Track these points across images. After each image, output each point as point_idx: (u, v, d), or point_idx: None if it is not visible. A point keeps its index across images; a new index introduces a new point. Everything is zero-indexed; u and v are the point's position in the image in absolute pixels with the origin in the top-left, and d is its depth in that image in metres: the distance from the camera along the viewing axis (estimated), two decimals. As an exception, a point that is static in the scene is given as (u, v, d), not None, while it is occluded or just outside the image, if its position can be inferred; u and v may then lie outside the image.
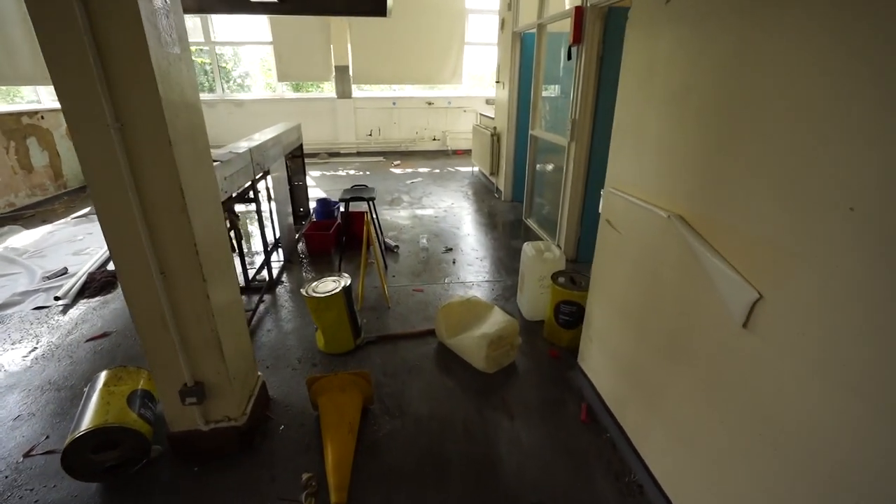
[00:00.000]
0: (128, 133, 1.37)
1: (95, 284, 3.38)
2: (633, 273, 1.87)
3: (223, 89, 8.50)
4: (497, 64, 5.75)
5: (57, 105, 6.46)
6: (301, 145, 4.71)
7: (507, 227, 4.81)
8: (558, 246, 3.81)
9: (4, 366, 2.54)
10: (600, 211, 2.47)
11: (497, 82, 5.79)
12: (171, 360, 1.69)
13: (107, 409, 1.78)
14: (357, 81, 8.51)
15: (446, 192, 6.14)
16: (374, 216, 3.96)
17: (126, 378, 1.98)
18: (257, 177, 3.18)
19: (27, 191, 5.37)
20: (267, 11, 4.16)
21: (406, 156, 8.88)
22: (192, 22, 8.19)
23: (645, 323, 1.79)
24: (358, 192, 3.62)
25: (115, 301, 3.24)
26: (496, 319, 2.53)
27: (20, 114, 5.29)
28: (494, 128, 5.80)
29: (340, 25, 7.99)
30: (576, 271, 2.76)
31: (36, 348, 2.69)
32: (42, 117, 5.61)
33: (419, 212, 5.24)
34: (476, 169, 7.24)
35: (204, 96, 8.51)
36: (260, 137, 3.48)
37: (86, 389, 1.95)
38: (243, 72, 9.61)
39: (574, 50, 3.34)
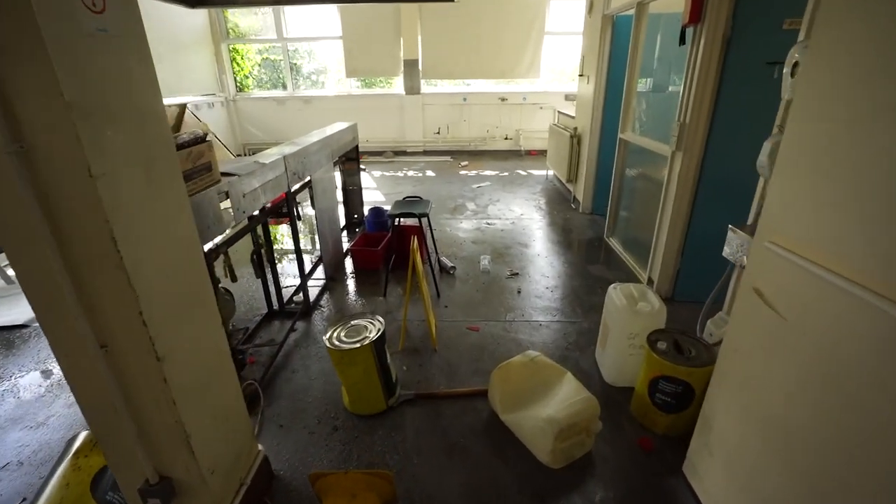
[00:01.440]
0: (33, 159, 0.94)
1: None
2: (805, 380, 1.16)
3: (293, 86, 8.47)
4: (581, 54, 4.97)
5: None
6: (357, 147, 4.32)
7: (585, 248, 4.07)
8: (655, 292, 3.05)
9: (20, 392, 2.36)
10: (733, 259, 1.74)
11: (580, 76, 5.02)
12: (127, 452, 1.29)
13: (62, 494, 1.42)
14: (426, 76, 8.06)
15: (516, 200, 5.49)
16: (428, 233, 3.45)
17: (104, 444, 1.62)
18: (295, 187, 2.79)
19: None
20: None
21: (475, 156, 8.31)
22: (265, 19, 8.22)
23: (829, 462, 1.08)
24: (410, 207, 3.12)
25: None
26: (568, 394, 1.89)
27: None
28: (575, 128, 5.04)
29: (411, 16, 7.58)
30: (683, 332, 2.04)
31: (52, 373, 2.50)
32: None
33: (483, 223, 4.66)
34: (550, 173, 6.50)
35: (276, 93, 8.54)
36: (303, 141, 3.10)
37: (59, 453, 1.63)
38: (319, 67, 9.55)
39: (689, 32, 2.56)
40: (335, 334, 2.05)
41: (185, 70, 7.21)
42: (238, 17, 8.26)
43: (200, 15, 7.60)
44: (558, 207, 5.20)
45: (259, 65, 8.73)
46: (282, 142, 3.81)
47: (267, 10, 8.01)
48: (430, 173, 7.01)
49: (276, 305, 2.99)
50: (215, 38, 7.92)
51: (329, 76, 9.97)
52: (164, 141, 1.23)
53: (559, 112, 6.13)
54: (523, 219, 4.81)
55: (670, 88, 3.11)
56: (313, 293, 3.24)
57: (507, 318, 2.92)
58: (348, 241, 4.31)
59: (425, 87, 8.33)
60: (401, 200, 3.38)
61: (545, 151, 8.29)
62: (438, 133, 8.44)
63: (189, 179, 1.71)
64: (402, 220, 3.29)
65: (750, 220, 2.00)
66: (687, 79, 2.61)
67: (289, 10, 8.07)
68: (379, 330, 2.04)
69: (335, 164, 4.10)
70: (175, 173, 1.28)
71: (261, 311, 3.02)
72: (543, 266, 3.67)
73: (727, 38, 2.44)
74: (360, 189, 4.55)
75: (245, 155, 8.71)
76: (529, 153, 8.40)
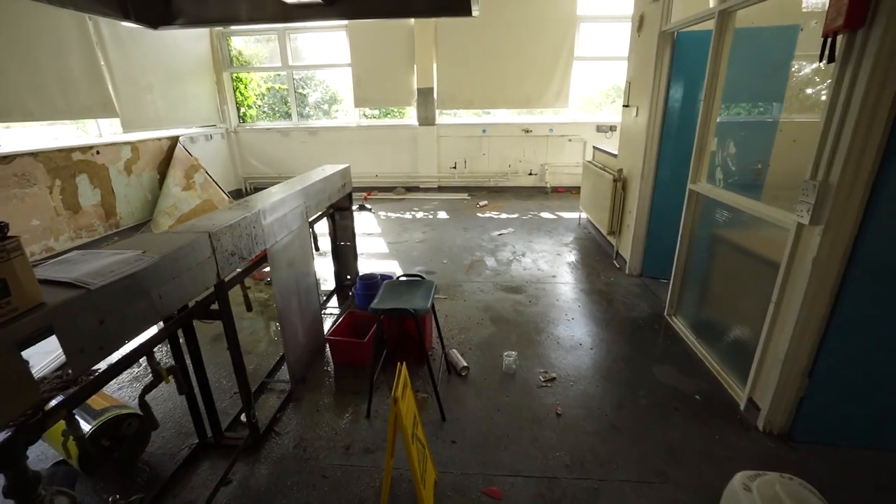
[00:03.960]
0: None
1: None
2: None
3: (297, 116, 7.82)
4: (627, 81, 4.09)
5: (115, 139, 5.55)
6: (349, 194, 3.48)
7: (641, 331, 3.08)
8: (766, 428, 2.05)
9: None
10: None
11: (625, 106, 4.13)
12: None
13: None
14: (442, 106, 7.30)
15: (545, 254, 4.54)
16: (432, 323, 2.53)
17: None
18: (233, 274, 1.92)
19: (71, 233, 4.84)
20: (312, 16, 3.02)
21: (495, 193, 7.44)
22: (269, 46, 7.67)
23: None
24: (404, 295, 2.22)
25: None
26: None
27: (71, 150, 4.81)
28: (619, 170, 4.11)
29: (426, 40, 6.88)
30: None
31: None
32: (97, 152, 5.12)
33: (506, 293, 3.71)
34: (583, 216, 5.55)
35: (279, 124, 7.91)
36: (263, 199, 2.25)
37: None
38: (326, 96, 8.94)
39: (839, 43, 1.64)
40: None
41: (182, 100, 6.62)
42: (243, 45, 7.74)
43: (202, 42, 7.08)
44: (597, 265, 4.23)
45: (264, 94, 8.15)
46: (286, 176, 3.16)
47: (272, 37, 7.45)
48: (443, 215, 6.14)
49: (210, 432, 2.09)
50: (217, 67, 7.37)
51: (342, 106, 9.36)
52: None
53: (595, 148, 5.22)
54: (556, 283, 3.85)
55: (780, 129, 2.18)
56: (272, 407, 2.34)
57: (545, 470, 1.94)
58: (338, 308, 3.42)
59: (442, 117, 7.58)
60: (394, 282, 2.48)
61: (574, 189, 7.40)
62: (455, 168, 7.62)
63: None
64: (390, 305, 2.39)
65: None
66: (833, 116, 1.67)
67: (295, 38, 7.51)
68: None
69: (322, 215, 3.27)
70: None
71: (192, 440, 2.13)
72: (588, 364, 2.69)
73: (909, 54, 1.51)
74: (355, 243, 3.68)
75: (247, 192, 8.05)
76: (556, 190, 7.49)
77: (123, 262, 1.35)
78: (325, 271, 4.04)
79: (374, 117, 8.45)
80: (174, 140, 6.29)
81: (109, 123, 5.72)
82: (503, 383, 2.51)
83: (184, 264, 1.55)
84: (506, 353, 2.62)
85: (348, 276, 3.79)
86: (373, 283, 3.09)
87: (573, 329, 3.08)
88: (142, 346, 1.53)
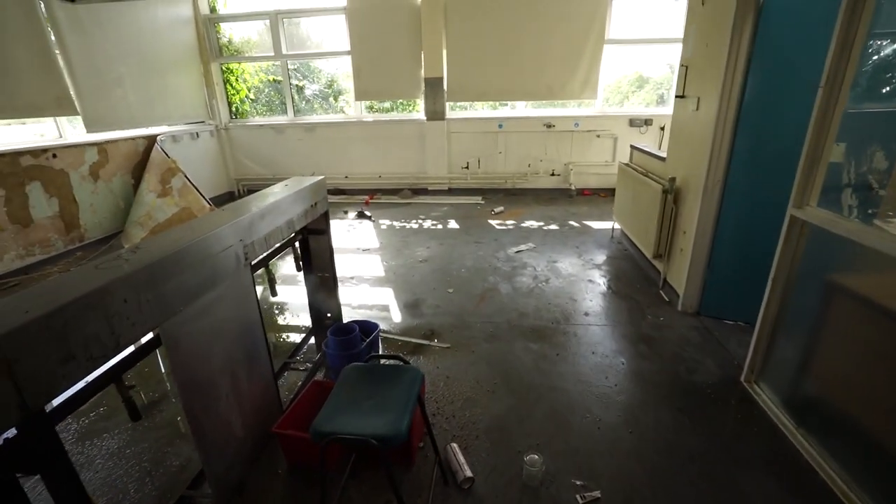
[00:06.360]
0: None
1: None
2: None
3: (293, 111, 7.07)
4: (681, 64, 3.21)
5: (78, 140, 4.68)
6: (326, 213, 2.71)
7: (710, 407, 2.24)
8: None
9: None
10: None
11: (678, 97, 3.25)
12: None
13: None
14: (453, 98, 6.46)
15: (572, 279, 3.71)
16: (423, 409, 1.76)
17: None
18: (54, 404, 1.16)
19: (20, 250, 4.20)
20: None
21: (513, 197, 6.59)
22: (259, 33, 6.93)
23: None
24: (360, 409, 1.45)
25: None
26: None
27: (19, 153, 4.14)
28: (672, 179, 3.24)
29: (434, 24, 6.04)
30: None
31: None
32: (53, 156, 4.46)
33: (523, 338, 2.91)
34: (615, 226, 4.69)
35: (274, 120, 7.18)
36: (165, 246, 1.48)
37: None
38: (325, 88, 8.17)
39: None
40: None
41: (162, 95, 5.92)
42: (235, 31, 7.01)
43: (187, 29, 6.36)
44: (641, 297, 3.38)
45: (259, 87, 7.42)
46: (282, 176, 2.54)
47: (262, 23, 6.70)
48: (452, 224, 5.33)
49: None
50: (204, 57, 6.66)
51: (345, 98, 8.58)
52: None
53: (634, 147, 4.34)
54: (590, 324, 3.03)
55: None
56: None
57: None
58: (317, 355, 2.66)
59: (453, 111, 6.74)
60: (357, 371, 1.70)
61: (602, 192, 6.52)
62: (467, 168, 6.78)
63: None
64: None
65: None
66: None
67: (291, 24, 6.74)
68: None
69: (286, 245, 2.51)
70: None
71: None
72: (643, 469, 1.88)
73: None
74: (334, 272, 2.91)
75: (240, 194, 7.36)
76: (582, 193, 6.60)
77: None
78: (298, 305, 3.30)
79: (384, 110, 7.67)
80: (152, 140, 5.61)
81: (71, 122, 5.05)
82: (524, 502, 1.73)
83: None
84: (527, 458, 1.82)
85: (328, 314, 3.04)
86: (350, 339, 2.31)
87: (618, 404, 2.27)
88: None
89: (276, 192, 2.28)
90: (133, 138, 5.40)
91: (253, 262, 1.95)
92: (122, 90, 5.23)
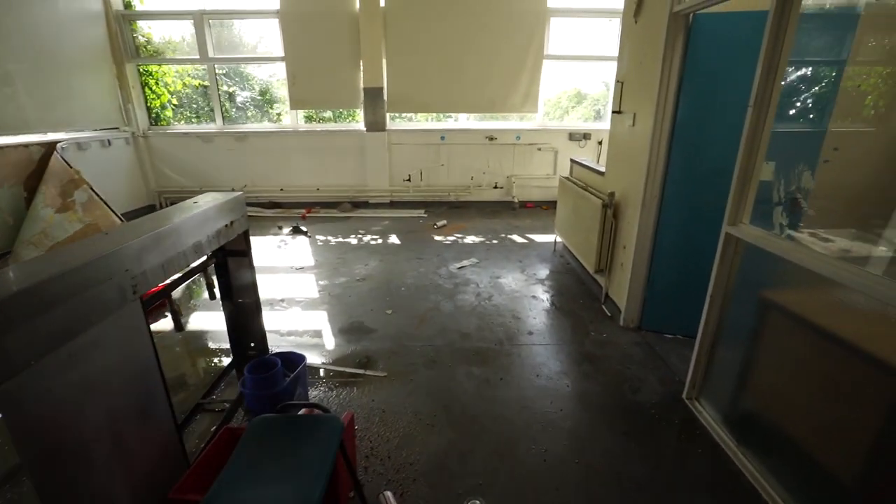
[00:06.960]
0: None
1: None
2: None
3: (222, 119, 6.59)
4: (617, 80, 3.24)
5: None
6: (245, 233, 2.42)
7: (655, 430, 2.18)
8: None
9: None
10: None
11: (615, 112, 3.28)
12: None
13: None
14: (393, 109, 6.29)
15: (516, 295, 3.62)
16: (351, 450, 1.52)
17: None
18: None
19: None
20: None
21: (456, 209, 6.49)
22: (184, 36, 6.42)
23: None
24: (262, 476, 1.21)
25: None
26: None
27: None
28: (611, 194, 3.24)
29: (373, 33, 5.86)
30: None
31: None
32: (-81, 164, 3.78)
33: (465, 363, 2.75)
34: (557, 240, 4.70)
35: (201, 128, 6.65)
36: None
37: None
38: (257, 95, 7.71)
39: None
40: None
41: (64, 97, 5.27)
42: (152, 31, 6.43)
43: (95, 26, 5.74)
44: (584, 312, 3.35)
45: (179, 92, 6.84)
46: (210, 188, 2.24)
47: (185, 24, 6.21)
48: (394, 239, 5.12)
49: None
50: (117, 57, 6.04)
51: (281, 107, 8.15)
52: None
53: (574, 161, 4.37)
54: (533, 344, 2.93)
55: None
56: None
57: None
58: (240, 389, 2.33)
59: (394, 122, 6.56)
60: (267, 423, 1.46)
61: (545, 204, 6.58)
62: (409, 180, 6.62)
63: None
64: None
65: None
66: None
67: (220, 26, 6.29)
68: None
69: (197, 270, 2.20)
70: None
71: None
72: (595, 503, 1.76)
73: None
74: (257, 297, 2.61)
75: (161, 207, 6.71)
76: (525, 206, 6.64)
77: None
78: (218, 333, 2.95)
79: (325, 120, 7.33)
80: (51, 147, 4.95)
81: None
82: (465, 565, 1.54)
83: None
84: (469, 502, 1.64)
85: (251, 344, 2.72)
86: (269, 376, 2.03)
87: (564, 431, 2.15)
88: None
89: (182, 211, 1.98)
90: (26, 145, 4.74)
91: (146, 296, 1.65)
92: (10, 89, 4.58)
